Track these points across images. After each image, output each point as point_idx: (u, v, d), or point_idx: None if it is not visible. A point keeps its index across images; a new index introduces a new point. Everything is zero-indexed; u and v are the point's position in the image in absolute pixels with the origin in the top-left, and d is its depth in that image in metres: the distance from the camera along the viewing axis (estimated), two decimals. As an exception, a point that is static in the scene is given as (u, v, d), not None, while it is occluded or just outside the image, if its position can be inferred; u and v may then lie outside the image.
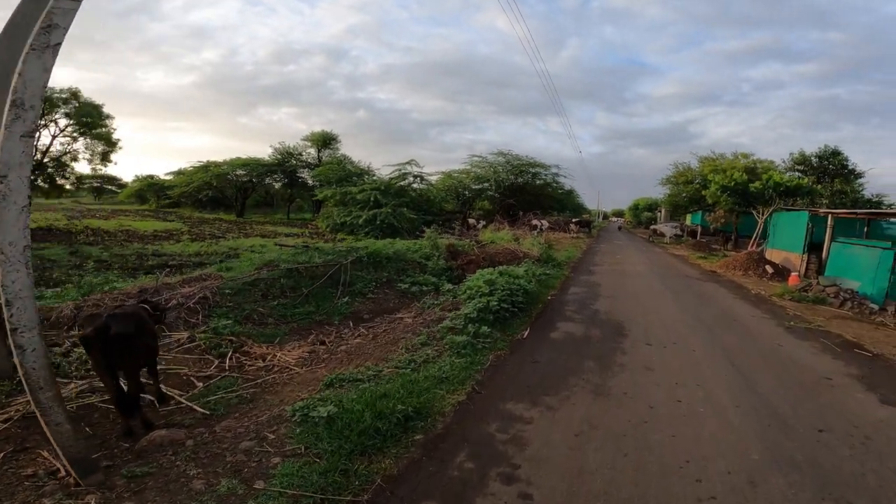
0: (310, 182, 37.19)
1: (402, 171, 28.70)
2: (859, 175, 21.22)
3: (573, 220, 31.97)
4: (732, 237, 29.31)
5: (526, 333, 6.49)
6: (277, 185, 44.78)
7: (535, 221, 27.10)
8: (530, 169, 37.48)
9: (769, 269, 15.26)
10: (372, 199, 24.65)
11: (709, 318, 8.02)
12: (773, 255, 17.04)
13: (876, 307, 9.94)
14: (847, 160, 20.89)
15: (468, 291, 7.37)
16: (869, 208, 20.11)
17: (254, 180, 40.58)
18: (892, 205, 25.61)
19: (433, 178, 33.07)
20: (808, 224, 15.09)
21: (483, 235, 18.65)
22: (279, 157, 40.83)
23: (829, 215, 14.77)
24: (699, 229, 35.21)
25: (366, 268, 9.82)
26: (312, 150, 42.42)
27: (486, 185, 37.87)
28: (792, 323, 8.00)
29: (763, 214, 17.74)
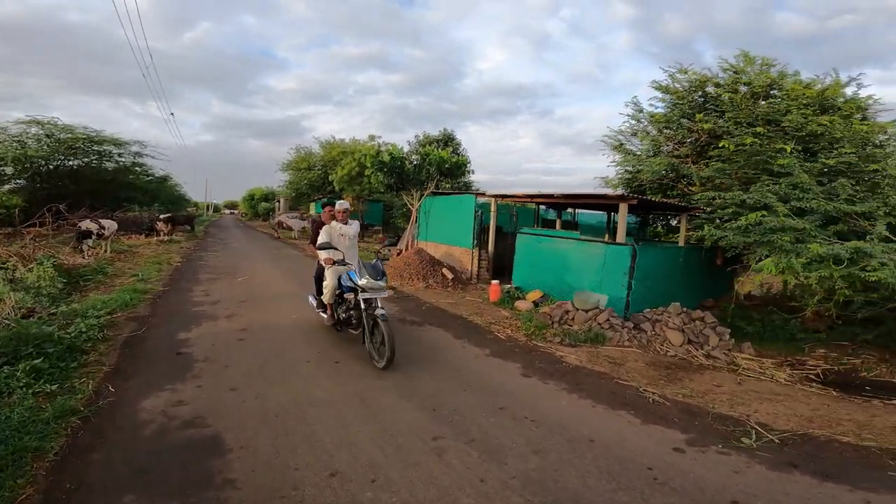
0: None
1: None
2: (466, 161, 21.59)
3: (161, 216, 21.33)
4: (361, 227, 26.86)
5: None
6: None
7: (85, 226, 15.34)
8: (93, 146, 23.44)
9: (447, 273, 11.59)
10: None
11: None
12: (429, 248, 13.84)
13: (628, 324, 6.95)
14: (460, 145, 20.78)
15: None
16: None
17: None
18: (478, 190, 29.10)
19: None
20: (476, 211, 12.23)
21: None
22: None
23: (502, 199, 12.36)
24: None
25: None
26: None
27: (6, 169, 21.25)
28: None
29: (417, 199, 14.30)
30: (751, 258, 7.23)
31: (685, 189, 10.27)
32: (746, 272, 11.20)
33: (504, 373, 5.14)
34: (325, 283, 6.04)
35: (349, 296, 5.60)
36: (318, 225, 6.75)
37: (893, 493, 3.04)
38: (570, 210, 17.64)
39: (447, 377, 4.88)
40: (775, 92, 8.82)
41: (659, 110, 10.23)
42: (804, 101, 8.05)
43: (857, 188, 7.09)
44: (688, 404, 4.46)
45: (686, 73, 9.51)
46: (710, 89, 9.31)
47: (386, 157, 12.54)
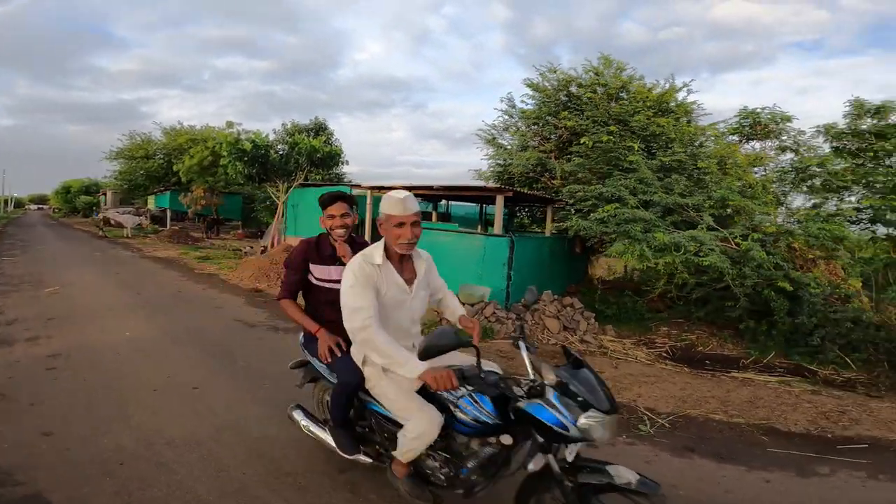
0: None
1: None
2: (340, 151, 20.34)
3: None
4: (215, 222, 24.09)
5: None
6: None
7: None
8: None
9: (320, 269, 10.74)
10: None
11: None
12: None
13: (511, 315, 7.13)
14: (332, 135, 19.58)
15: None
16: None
17: None
18: (351, 182, 27.47)
19: None
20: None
21: None
22: None
23: (379, 191, 11.78)
24: (168, 214, 27.99)
25: None
26: None
27: None
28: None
29: (284, 191, 13.06)
30: (609, 246, 7.96)
31: (548, 182, 11.03)
32: (597, 259, 12.56)
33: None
34: (410, 427, 2.22)
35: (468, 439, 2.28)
36: (303, 252, 2.90)
37: (783, 470, 3.38)
38: (443, 202, 17.90)
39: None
40: (623, 95, 9.86)
41: (529, 107, 10.79)
42: (647, 104, 9.14)
43: (687, 183, 8.27)
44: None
45: (555, 72, 10.17)
46: (574, 89, 10.07)
47: (247, 145, 11.15)
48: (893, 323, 7.23)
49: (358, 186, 11.82)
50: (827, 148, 12.15)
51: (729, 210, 8.30)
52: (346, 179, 21.50)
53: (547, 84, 10.36)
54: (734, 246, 7.46)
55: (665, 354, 6.84)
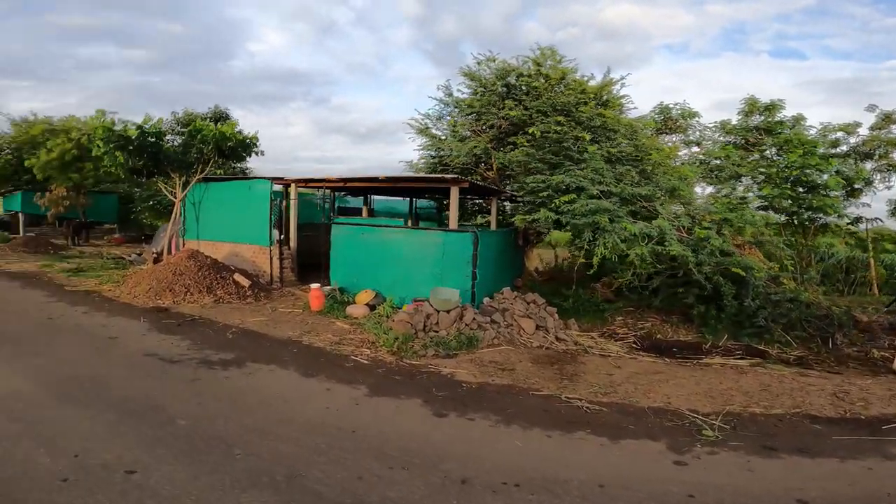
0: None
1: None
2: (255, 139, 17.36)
3: None
4: (82, 226, 20.21)
5: None
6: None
7: None
8: None
9: (241, 280, 9.15)
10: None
11: None
12: (205, 249, 10.99)
13: (486, 318, 6.47)
14: (237, 124, 16.99)
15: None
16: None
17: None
18: (254, 175, 24.31)
19: None
20: (274, 200, 10.04)
21: None
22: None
23: (305, 185, 10.34)
24: (22, 219, 23.01)
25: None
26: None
27: None
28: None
29: (182, 187, 11.00)
30: (579, 238, 7.56)
31: (484, 173, 10.57)
32: (531, 250, 12.46)
33: (412, 418, 3.84)
34: None
35: None
36: None
37: (870, 456, 3.20)
38: (361, 197, 16.68)
39: (347, 455, 3.18)
40: (560, 87, 9.66)
41: (465, 97, 10.21)
42: (590, 95, 9.01)
43: (635, 174, 8.26)
44: (615, 404, 4.16)
45: (494, 61, 9.66)
46: (513, 79, 9.64)
47: (132, 131, 9.00)
48: (820, 301, 7.90)
49: (281, 180, 10.31)
50: (721, 141, 13.34)
51: (670, 200, 8.46)
52: (249, 173, 19.16)
53: (484, 74, 9.83)
54: (685, 234, 7.59)
55: (634, 345, 6.69)
